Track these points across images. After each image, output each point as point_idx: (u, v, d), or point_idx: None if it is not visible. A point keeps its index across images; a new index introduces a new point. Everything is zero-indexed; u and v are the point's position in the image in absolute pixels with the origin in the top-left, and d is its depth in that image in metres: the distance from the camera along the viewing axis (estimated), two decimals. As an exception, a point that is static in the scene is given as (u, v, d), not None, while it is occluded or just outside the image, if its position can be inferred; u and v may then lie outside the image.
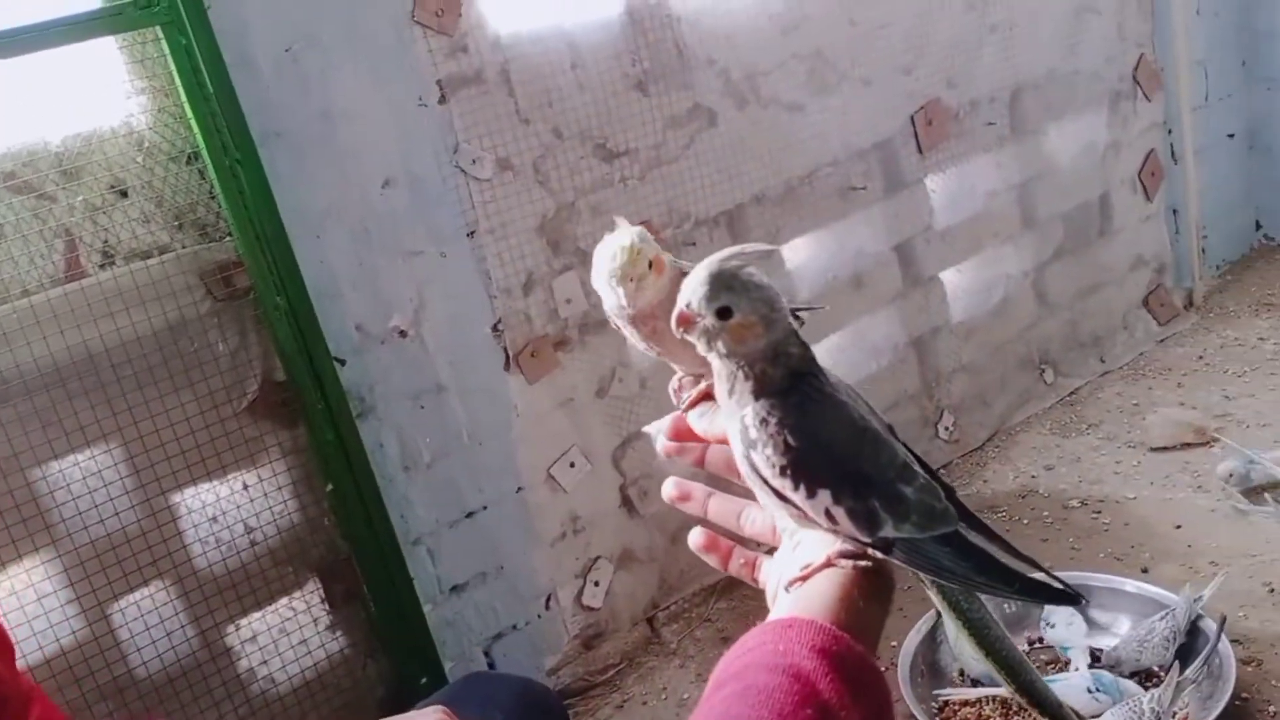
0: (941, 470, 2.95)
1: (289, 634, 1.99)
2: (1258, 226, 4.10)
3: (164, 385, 1.82)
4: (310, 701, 2.02)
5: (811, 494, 0.65)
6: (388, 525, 2.04)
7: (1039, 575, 0.72)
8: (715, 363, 0.69)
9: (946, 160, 2.99)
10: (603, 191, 2.33)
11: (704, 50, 2.45)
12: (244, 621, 1.95)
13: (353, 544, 2.03)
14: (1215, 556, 2.29)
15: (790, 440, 0.66)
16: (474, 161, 2.13)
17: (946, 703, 2.03)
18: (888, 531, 0.66)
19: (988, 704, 1.97)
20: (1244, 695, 1.87)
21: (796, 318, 0.83)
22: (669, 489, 0.80)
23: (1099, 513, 2.61)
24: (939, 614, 0.72)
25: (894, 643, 2.16)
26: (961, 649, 2.03)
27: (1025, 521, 2.64)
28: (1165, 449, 2.81)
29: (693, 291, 0.67)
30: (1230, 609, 2.06)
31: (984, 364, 3.16)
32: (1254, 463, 2.46)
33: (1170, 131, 3.61)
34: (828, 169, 2.73)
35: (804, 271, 2.75)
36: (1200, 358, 3.33)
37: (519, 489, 2.27)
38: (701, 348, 0.68)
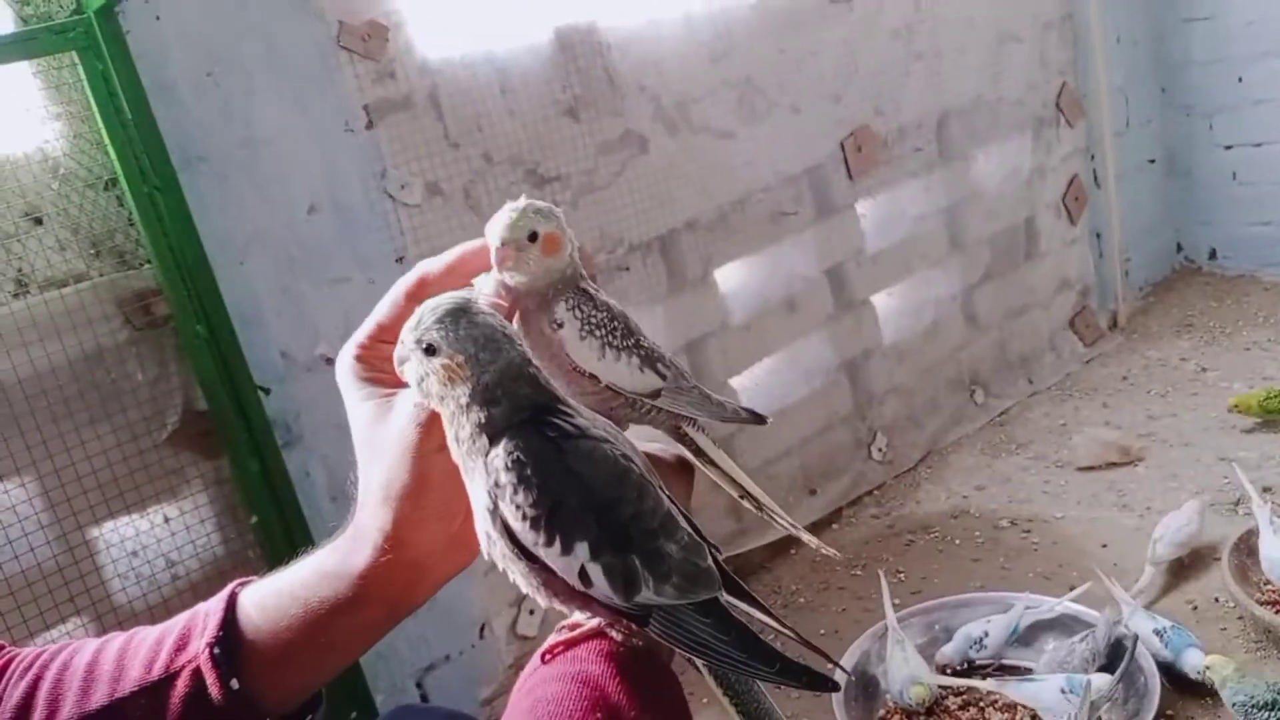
0: (875, 491, 2.99)
1: (212, 671, 1.93)
2: (1178, 249, 4.21)
3: (81, 417, 1.77)
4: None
5: (567, 549, 0.57)
6: (315, 557, 1.99)
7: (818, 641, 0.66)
8: (437, 407, 0.62)
9: (876, 185, 3.03)
10: (534, 217, 2.32)
11: (634, 77, 2.46)
12: (166, 659, 1.90)
13: (279, 577, 1.98)
14: (1140, 575, 2.33)
15: (547, 483, 0.57)
16: (402, 187, 2.11)
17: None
18: (646, 596, 0.58)
19: (921, 725, 1.99)
20: (1168, 712, 1.90)
21: (752, 417, 0.80)
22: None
23: (1028, 532, 2.64)
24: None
25: (828, 665, 2.16)
26: (891, 674, 2.04)
27: (957, 542, 2.67)
28: (1091, 469, 2.86)
29: (407, 324, 0.61)
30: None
31: (915, 385, 3.20)
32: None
33: (1093, 157, 3.71)
34: (759, 195, 2.76)
35: (737, 296, 2.76)
36: (1124, 378, 3.40)
37: (451, 517, 2.24)
38: (415, 392, 0.62)
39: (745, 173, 2.72)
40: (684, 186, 2.59)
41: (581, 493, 0.57)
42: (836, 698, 2.00)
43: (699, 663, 0.63)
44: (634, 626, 0.61)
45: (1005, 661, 2.08)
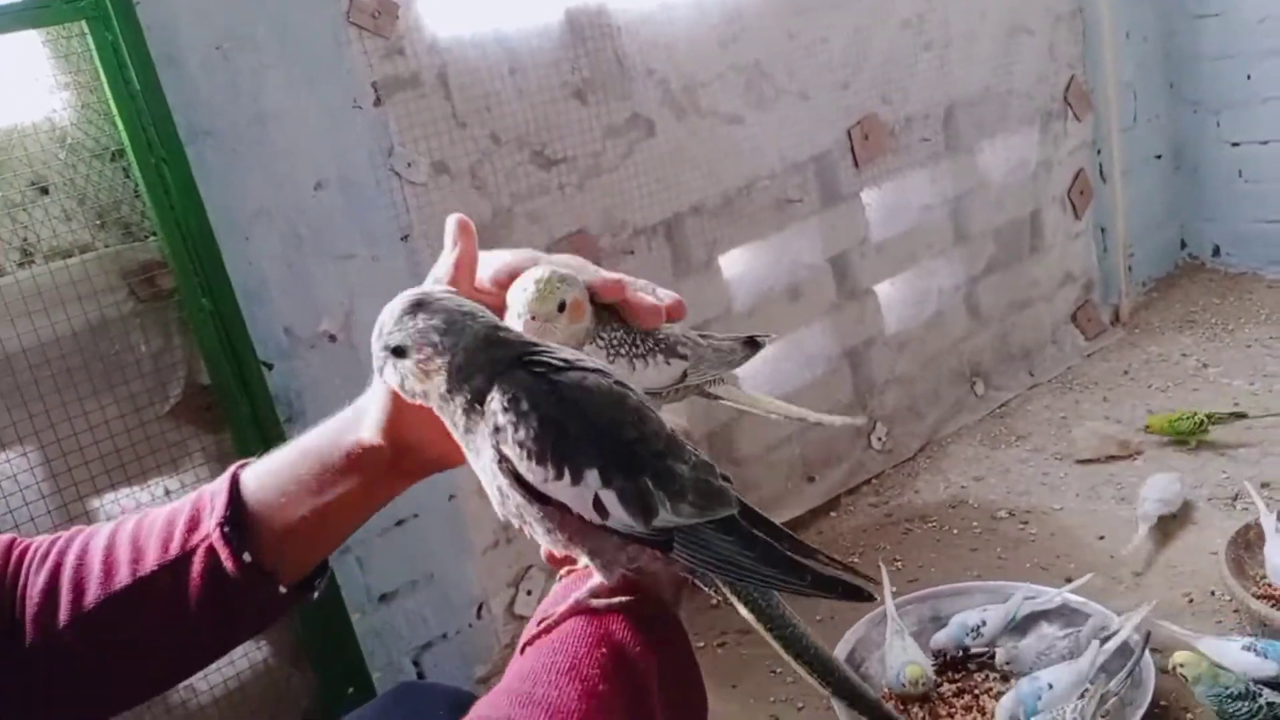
0: (874, 480, 3.00)
1: (211, 643, 1.94)
2: (1182, 245, 4.21)
3: (84, 387, 1.77)
4: (232, 713, 1.97)
5: (577, 478, 0.56)
6: (315, 533, 2.00)
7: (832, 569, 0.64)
8: (425, 402, 0.64)
9: (882, 175, 3.03)
10: (540, 198, 2.32)
11: (643, 60, 2.45)
12: (164, 630, 1.90)
13: (279, 551, 1.99)
14: (1137, 567, 2.34)
15: (545, 415, 0.56)
16: (409, 165, 2.11)
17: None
18: (665, 518, 0.57)
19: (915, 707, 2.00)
20: (1162, 702, 1.90)
21: (755, 343, 0.81)
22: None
23: (1026, 523, 2.65)
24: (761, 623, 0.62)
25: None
26: (889, 661, 2.05)
27: (955, 531, 2.68)
28: (1090, 461, 2.87)
29: (374, 335, 0.63)
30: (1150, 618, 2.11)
31: (916, 375, 3.21)
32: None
33: (1099, 151, 3.71)
34: (765, 181, 2.75)
35: (741, 282, 2.76)
36: (1125, 372, 3.40)
37: (451, 497, 2.25)
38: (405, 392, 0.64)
39: (752, 158, 2.72)
40: (690, 171, 2.59)
41: (580, 418, 0.56)
42: (832, 683, 2.01)
43: (728, 593, 0.61)
44: (630, 578, 0.61)
45: (998, 649, 2.08)
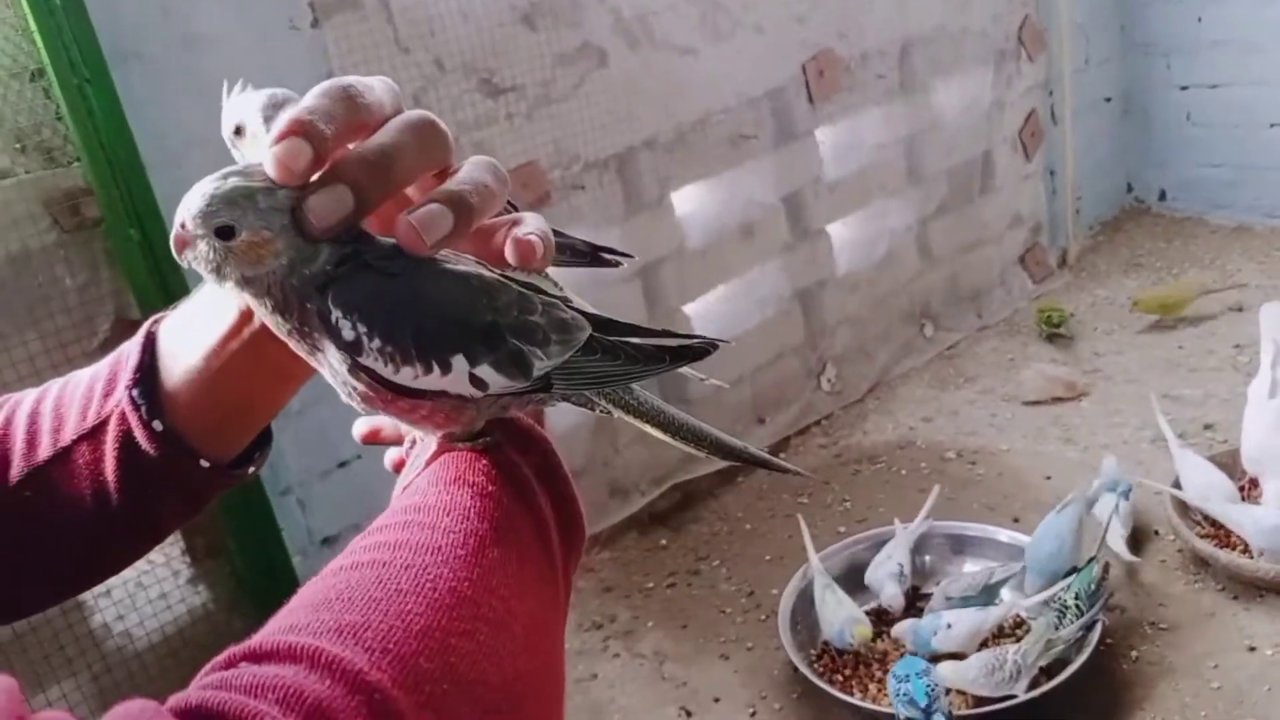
0: (823, 421, 2.99)
1: (146, 588, 1.88)
2: (1129, 189, 4.23)
3: (5, 323, 1.69)
4: (171, 658, 1.92)
5: (446, 368, 0.55)
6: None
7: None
8: (237, 295, 0.55)
9: (837, 112, 2.98)
10: (488, 129, 2.24)
11: (595, -14, 2.37)
12: (97, 575, 1.84)
13: (217, 493, 1.93)
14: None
15: (398, 318, 0.54)
16: (350, 92, 2.02)
17: (825, 650, 2.05)
18: (540, 367, 0.58)
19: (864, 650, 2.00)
20: (1108, 640, 1.93)
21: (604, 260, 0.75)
22: (359, 429, 0.72)
23: (974, 463, 2.66)
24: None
25: (774, 590, 2.17)
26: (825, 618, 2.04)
27: (904, 472, 2.69)
28: (1037, 403, 2.88)
29: (187, 206, 0.52)
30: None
31: (867, 317, 3.19)
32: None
33: (1051, 93, 3.69)
34: (720, 116, 2.69)
35: (694, 220, 2.71)
36: (1072, 315, 3.42)
37: (396, 437, 2.19)
38: (209, 278, 0.54)
39: (706, 92, 2.65)
40: (643, 103, 2.52)
41: (432, 313, 0.54)
42: (782, 623, 2.02)
43: (604, 406, 0.63)
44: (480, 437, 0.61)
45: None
